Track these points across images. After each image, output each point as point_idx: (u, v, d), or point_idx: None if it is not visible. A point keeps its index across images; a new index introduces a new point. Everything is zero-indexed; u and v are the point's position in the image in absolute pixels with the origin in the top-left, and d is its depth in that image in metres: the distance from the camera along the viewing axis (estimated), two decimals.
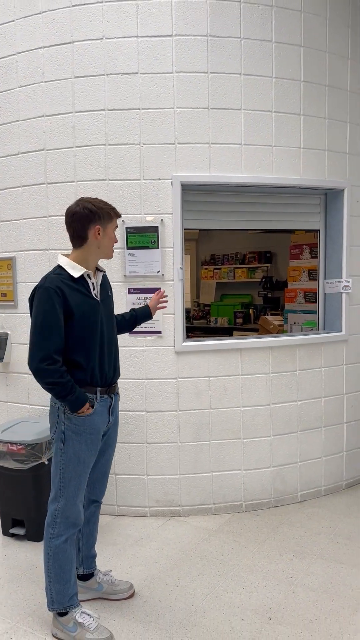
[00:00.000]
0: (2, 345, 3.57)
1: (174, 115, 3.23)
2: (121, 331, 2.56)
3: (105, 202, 2.28)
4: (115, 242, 2.32)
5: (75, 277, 2.17)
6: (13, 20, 3.38)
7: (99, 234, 2.20)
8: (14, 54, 3.40)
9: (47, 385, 2.11)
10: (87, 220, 2.18)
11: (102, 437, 2.34)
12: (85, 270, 2.20)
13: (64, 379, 2.10)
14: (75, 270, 2.18)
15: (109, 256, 2.32)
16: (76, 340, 2.16)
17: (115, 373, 2.35)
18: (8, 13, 3.39)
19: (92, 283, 2.23)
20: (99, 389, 2.24)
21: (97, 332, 2.22)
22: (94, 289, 2.23)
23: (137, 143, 3.24)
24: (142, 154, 3.25)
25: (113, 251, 2.34)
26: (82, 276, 2.20)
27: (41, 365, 2.08)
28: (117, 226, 2.32)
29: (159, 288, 3.27)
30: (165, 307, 2.77)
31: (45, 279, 2.15)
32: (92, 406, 2.21)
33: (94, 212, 2.18)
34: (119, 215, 2.31)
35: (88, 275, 2.22)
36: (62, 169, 3.32)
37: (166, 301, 2.79)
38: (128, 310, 2.67)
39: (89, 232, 2.20)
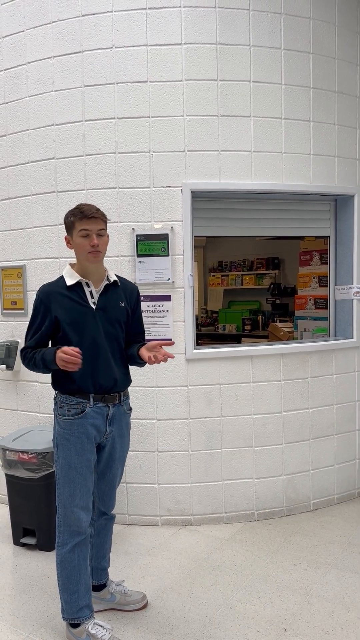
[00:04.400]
0: (12, 354, 3.57)
1: (183, 122, 3.24)
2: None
3: (76, 207, 2.20)
4: (92, 245, 2.16)
5: (68, 285, 2.22)
6: (23, 31, 3.40)
7: (69, 243, 2.25)
8: (24, 64, 3.42)
9: (30, 370, 2.26)
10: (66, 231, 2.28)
11: (103, 448, 2.31)
12: (80, 278, 2.22)
13: (26, 358, 2.23)
14: (71, 279, 2.24)
15: (88, 261, 2.20)
16: (63, 345, 2.17)
17: (117, 384, 2.28)
18: (18, 23, 3.41)
19: (90, 291, 2.24)
20: (92, 395, 2.22)
21: (90, 340, 2.20)
22: (91, 297, 2.23)
23: (147, 151, 3.25)
24: (152, 161, 3.25)
25: (91, 255, 2.18)
26: (78, 284, 2.23)
27: (21, 355, 2.28)
28: (83, 229, 2.15)
29: (169, 295, 3.28)
30: (159, 362, 2.24)
31: (40, 286, 2.29)
32: (83, 410, 2.20)
33: (64, 223, 2.26)
34: (84, 217, 2.16)
35: (86, 284, 2.24)
36: (72, 177, 3.33)
37: (165, 359, 2.22)
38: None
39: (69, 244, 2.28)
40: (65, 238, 2.26)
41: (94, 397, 2.23)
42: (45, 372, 2.22)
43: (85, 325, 2.20)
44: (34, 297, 2.26)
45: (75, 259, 2.29)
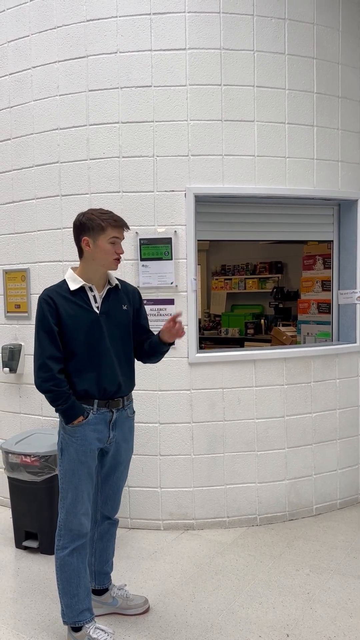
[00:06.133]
0: (15, 357, 3.58)
1: (187, 127, 3.25)
2: (144, 359, 2.45)
3: (103, 213, 2.20)
4: (119, 253, 2.21)
5: (72, 290, 2.20)
6: (28, 35, 3.42)
7: (88, 245, 2.19)
8: (29, 68, 3.44)
9: (43, 392, 2.17)
10: (77, 231, 2.22)
11: (107, 452, 2.31)
12: (84, 282, 2.21)
13: (59, 388, 2.14)
14: (74, 283, 2.21)
15: (108, 267, 2.23)
16: (68, 351, 2.17)
17: (120, 389, 2.28)
18: (23, 28, 3.43)
19: (94, 296, 2.23)
20: (96, 400, 2.22)
21: (95, 345, 2.20)
22: (95, 302, 2.23)
23: (150, 155, 3.26)
24: (155, 166, 3.26)
25: (115, 262, 2.22)
26: (81, 288, 2.21)
27: (39, 373, 2.16)
28: (114, 237, 2.18)
29: (172, 299, 3.29)
30: (182, 334, 2.33)
31: (43, 291, 2.22)
32: (86, 417, 2.20)
33: (83, 223, 2.19)
34: (118, 226, 2.19)
35: (90, 288, 2.23)
36: (76, 181, 3.35)
37: (180, 334, 2.31)
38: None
39: (81, 244, 2.21)
40: (84, 240, 2.18)
41: (98, 403, 2.23)
42: (56, 409, 2.19)
43: (90, 330, 2.20)
44: (38, 301, 2.21)
45: (77, 262, 2.28)
